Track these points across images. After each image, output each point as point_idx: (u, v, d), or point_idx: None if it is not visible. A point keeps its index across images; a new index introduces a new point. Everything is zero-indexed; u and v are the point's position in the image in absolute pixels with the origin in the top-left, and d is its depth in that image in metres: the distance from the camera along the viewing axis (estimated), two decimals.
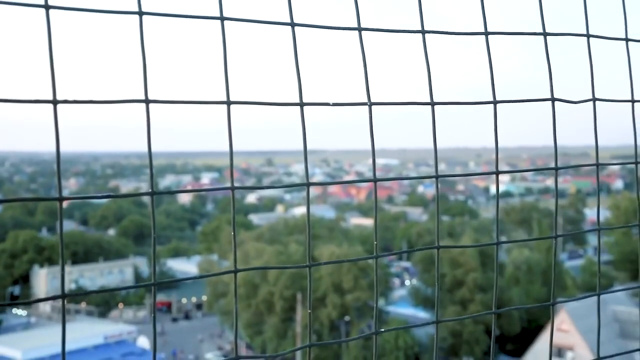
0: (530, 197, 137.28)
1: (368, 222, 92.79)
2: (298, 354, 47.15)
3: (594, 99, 1.96)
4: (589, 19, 1.98)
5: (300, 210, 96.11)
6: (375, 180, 1.59)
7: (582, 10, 1.98)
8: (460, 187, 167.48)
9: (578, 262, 69.94)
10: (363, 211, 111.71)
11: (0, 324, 60.43)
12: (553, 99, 1.87)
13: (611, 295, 44.71)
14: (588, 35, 1.95)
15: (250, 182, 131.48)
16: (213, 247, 71.66)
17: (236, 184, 1.47)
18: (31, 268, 72.86)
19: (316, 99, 1.57)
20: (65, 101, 1.24)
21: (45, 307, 68.50)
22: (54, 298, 1.27)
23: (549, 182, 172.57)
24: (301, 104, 1.52)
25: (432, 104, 1.69)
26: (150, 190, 1.40)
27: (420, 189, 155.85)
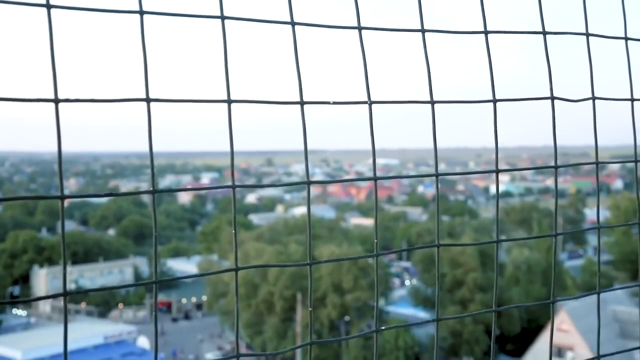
0: (530, 197, 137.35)
1: (368, 222, 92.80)
2: (298, 353, 47.16)
3: (594, 98, 1.97)
4: (588, 18, 1.99)
5: (300, 210, 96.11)
6: (375, 178, 1.60)
7: (581, 10, 1.98)
8: (460, 187, 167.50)
9: (578, 262, 69.93)
10: (363, 211, 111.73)
11: (0, 324, 60.41)
12: (553, 98, 1.88)
13: (611, 295, 44.72)
14: (587, 34, 1.95)
15: (250, 182, 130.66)
16: (213, 247, 71.70)
17: (236, 184, 1.48)
18: (31, 268, 72.86)
19: (316, 98, 1.58)
20: (67, 100, 1.25)
21: (45, 307, 68.49)
22: (55, 296, 1.27)
23: (549, 182, 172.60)
24: (301, 103, 1.52)
25: (432, 102, 1.69)
26: (151, 188, 1.40)
27: (420, 188, 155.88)
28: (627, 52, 2.04)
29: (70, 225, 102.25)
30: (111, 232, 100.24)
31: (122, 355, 49.52)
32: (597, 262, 2.09)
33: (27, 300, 1.25)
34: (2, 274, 71.17)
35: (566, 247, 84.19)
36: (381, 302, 52.39)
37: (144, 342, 53.58)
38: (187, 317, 68.61)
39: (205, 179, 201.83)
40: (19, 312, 68.06)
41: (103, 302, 67.49)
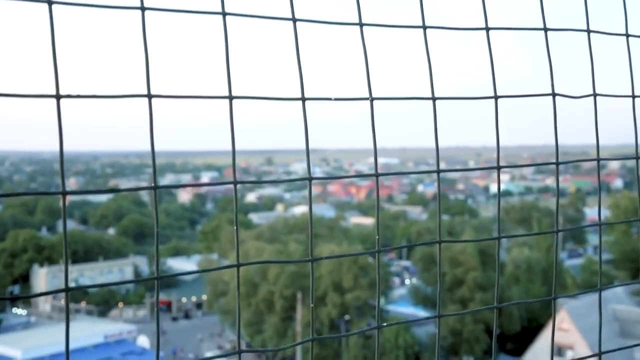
0: (530, 196, 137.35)
1: (368, 221, 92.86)
2: (298, 351, 47.22)
3: (595, 94, 1.97)
4: (589, 15, 1.99)
5: (300, 209, 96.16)
6: (377, 175, 1.60)
7: (582, 8, 1.98)
8: (460, 186, 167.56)
9: (578, 261, 69.96)
10: (363, 210, 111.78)
11: (0, 323, 60.42)
12: (554, 94, 1.88)
13: (611, 294, 44.74)
14: (588, 31, 1.95)
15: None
16: (213, 246, 71.73)
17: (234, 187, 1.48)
18: (31, 267, 72.88)
19: (318, 95, 1.58)
20: (69, 96, 1.25)
21: (45, 307, 68.52)
22: (57, 292, 1.28)
23: (549, 181, 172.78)
24: (303, 99, 1.52)
25: (434, 99, 1.69)
26: (153, 184, 1.40)
27: (420, 188, 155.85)
28: (628, 49, 2.04)
29: (70, 225, 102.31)
30: (111, 231, 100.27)
31: (122, 354, 49.54)
32: (599, 259, 2.09)
33: (29, 296, 1.25)
34: (2, 273, 71.17)
35: (566, 246, 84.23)
36: (381, 301, 52.39)
37: (144, 341, 53.61)
38: (187, 316, 68.64)
39: (205, 178, 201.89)
40: (19, 311, 68.09)
41: (103, 302, 67.51)
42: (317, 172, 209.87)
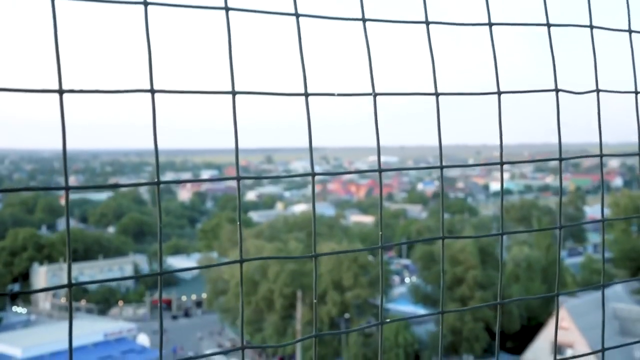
0: (529, 194, 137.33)
1: (368, 219, 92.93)
2: (298, 349, 47.26)
3: (598, 90, 1.96)
4: (592, 11, 1.98)
5: (300, 208, 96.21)
6: (380, 170, 1.59)
7: (585, 3, 1.98)
8: (460, 184, 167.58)
9: (578, 260, 70.01)
10: (363, 208, 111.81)
11: (0, 322, 60.45)
12: (557, 90, 1.87)
13: (611, 293, 44.77)
14: (591, 27, 1.95)
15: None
16: (213, 245, 71.78)
17: (236, 183, 1.48)
18: (31, 266, 72.91)
19: (320, 91, 1.58)
20: (72, 91, 1.24)
21: (45, 305, 68.58)
22: (60, 287, 1.27)
23: (548, 179, 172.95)
24: (306, 94, 1.52)
25: (437, 94, 1.69)
26: (155, 180, 1.40)
27: (420, 186, 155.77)
28: (630, 45, 2.04)
29: (70, 223, 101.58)
30: (111, 229, 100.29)
31: (122, 352, 49.58)
32: (602, 255, 2.08)
33: (31, 291, 1.25)
34: (2, 271, 71.19)
35: (566, 245, 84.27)
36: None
37: (143, 340, 53.64)
38: (187, 314, 68.70)
39: (205, 176, 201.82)
40: (19, 309, 68.12)
41: (103, 300, 67.55)
42: (317, 170, 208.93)
